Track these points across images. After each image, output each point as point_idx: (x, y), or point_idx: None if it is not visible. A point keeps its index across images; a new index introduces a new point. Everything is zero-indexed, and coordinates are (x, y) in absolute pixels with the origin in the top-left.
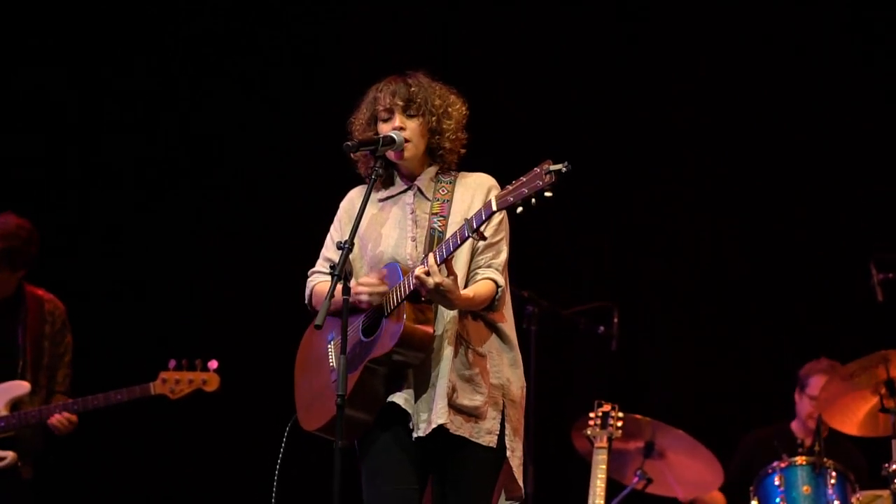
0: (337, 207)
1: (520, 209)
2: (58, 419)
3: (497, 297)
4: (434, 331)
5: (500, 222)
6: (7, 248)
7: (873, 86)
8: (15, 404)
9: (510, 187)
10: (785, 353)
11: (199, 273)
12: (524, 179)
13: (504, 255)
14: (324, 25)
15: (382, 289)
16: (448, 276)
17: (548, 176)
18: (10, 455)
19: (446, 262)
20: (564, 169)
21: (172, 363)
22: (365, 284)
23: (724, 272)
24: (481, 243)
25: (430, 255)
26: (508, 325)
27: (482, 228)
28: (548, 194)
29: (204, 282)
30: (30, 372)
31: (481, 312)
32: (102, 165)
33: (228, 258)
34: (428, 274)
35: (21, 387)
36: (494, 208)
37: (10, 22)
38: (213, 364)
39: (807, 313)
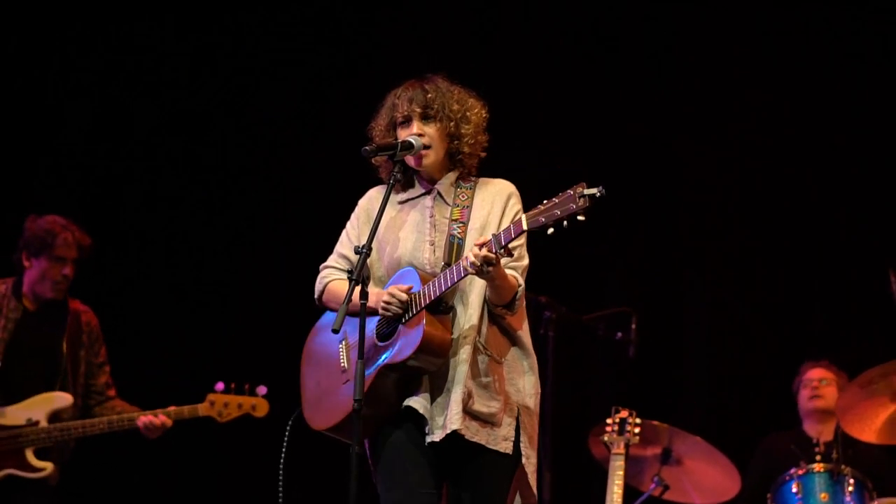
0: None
1: (551, 230)
2: (149, 421)
3: (517, 295)
4: (452, 337)
5: (517, 211)
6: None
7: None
8: (54, 415)
9: (542, 207)
10: (802, 361)
11: (195, 279)
12: (556, 201)
13: (525, 261)
14: (332, 30)
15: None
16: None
17: (581, 200)
18: (49, 466)
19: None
20: (599, 194)
21: (220, 386)
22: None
23: (741, 280)
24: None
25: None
26: (525, 332)
27: (510, 245)
28: (581, 218)
29: (199, 286)
30: (70, 382)
31: (498, 318)
32: (111, 173)
33: (225, 263)
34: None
35: (63, 399)
36: (525, 227)
37: (9, 22)
38: (262, 389)
39: (825, 322)
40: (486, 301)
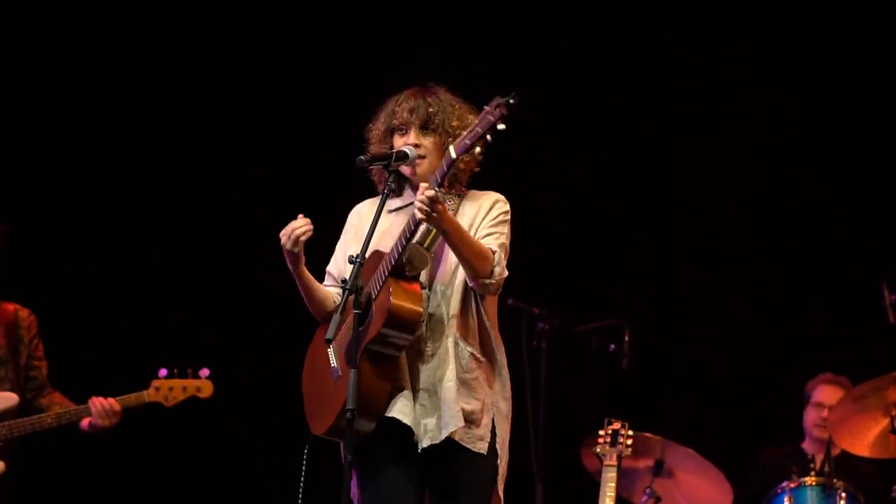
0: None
1: (478, 149)
2: (101, 404)
3: (495, 263)
4: (423, 311)
5: (503, 212)
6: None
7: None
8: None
9: (465, 132)
10: (796, 374)
11: (194, 280)
12: (476, 121)
13: (504, 239)
14: (332, 31)
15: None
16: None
17: (497, 109)
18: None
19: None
20: (512, 100)
21: (163, 372)
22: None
23: (735, 292)
24: (481, 230)
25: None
26: (497, 335)
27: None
28: (501, 127)
29: (199, 286)
30: (11, 376)
31: (481, 311)
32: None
33: (225, 263)
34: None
35: (9, 399)
36: (454, 156)
37: (9, 22)
38: (205, 372)
39: (819, 334)
40: (469, 292)
